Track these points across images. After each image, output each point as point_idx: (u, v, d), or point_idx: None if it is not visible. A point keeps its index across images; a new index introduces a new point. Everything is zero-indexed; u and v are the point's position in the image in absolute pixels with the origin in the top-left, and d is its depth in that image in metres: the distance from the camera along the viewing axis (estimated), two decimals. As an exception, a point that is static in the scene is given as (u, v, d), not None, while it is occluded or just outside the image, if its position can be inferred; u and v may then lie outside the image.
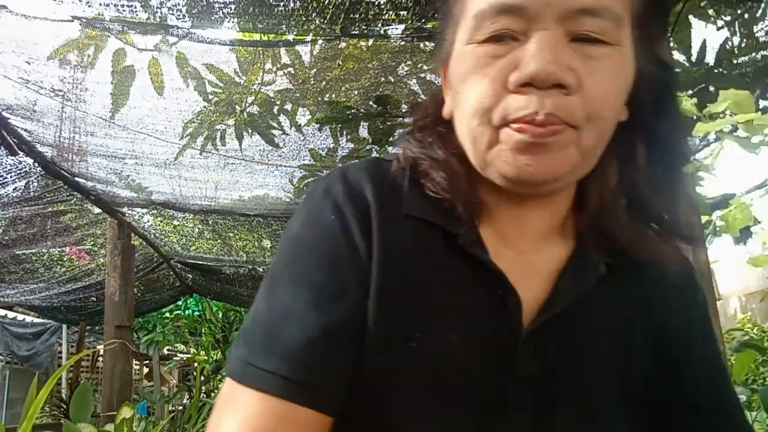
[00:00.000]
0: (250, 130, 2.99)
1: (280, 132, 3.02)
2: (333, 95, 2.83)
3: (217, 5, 1.93)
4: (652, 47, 0.59)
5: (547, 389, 0.57)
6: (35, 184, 3.47)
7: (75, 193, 3.52)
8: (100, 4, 1.96)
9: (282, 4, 1.95)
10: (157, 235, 4.92)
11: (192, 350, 10.88)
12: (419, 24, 2.17)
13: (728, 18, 2.68)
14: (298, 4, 1.95)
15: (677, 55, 2.84)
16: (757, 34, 2.71)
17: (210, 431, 0.53)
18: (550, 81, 0.51)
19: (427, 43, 2.40)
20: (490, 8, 0.53)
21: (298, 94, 2.88)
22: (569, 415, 0.57)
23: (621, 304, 0.61)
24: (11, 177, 3.23)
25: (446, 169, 0.59)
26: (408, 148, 0.63)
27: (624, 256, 0.60)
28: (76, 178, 3.30)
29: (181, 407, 8.20)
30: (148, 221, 4.73)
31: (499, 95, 0.53)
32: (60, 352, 10.15)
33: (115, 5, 1.95)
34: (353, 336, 0.55)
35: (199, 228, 4.86)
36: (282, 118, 2.97)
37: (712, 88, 2.95)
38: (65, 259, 5.84)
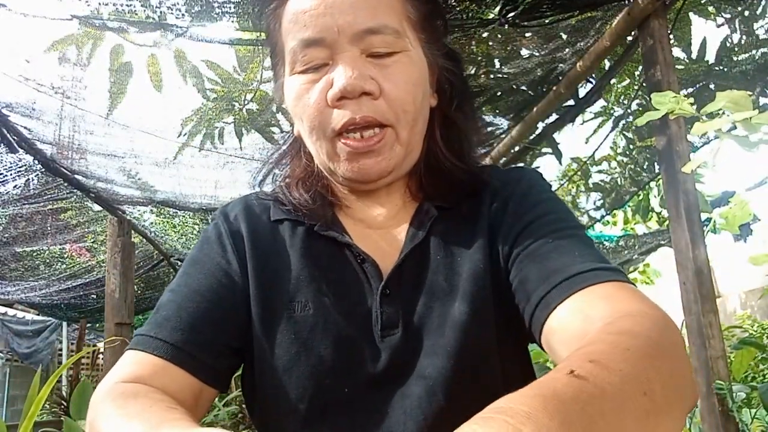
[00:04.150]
0: (249, 128, 2.99)
1: (280, 130, 3.02)
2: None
3: (216, 4, 1.93)
4: (438, 44, 0.74)
5: (412, 322, 0.67)
6: (35, 181, 3.46)
7: (75, 190, 3.52)
8: (99, 3, 1.95)
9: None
10: (157, 233, 4.92)
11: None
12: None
13: (728, 15, 2.67)
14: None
15: (677, 53, 2.83)
16: (757, 32, 2.70)
17: None
18: (357, 91, 0.65)
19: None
20: (298, 44, 0.67)
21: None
22: (433, 338, 0.66)
23: (465, 225, 0.72)
24: (11, 174, 3.23)
25: (297, 190, 0.75)
26: (282, 174, 0.81)
27: (454, 198, 0.74)
28: (76, 176, 3.29)
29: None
30: (149, 219, 4.73)
31: (323, 112, 0.67)
32: (60, 350, 10.17)
33: (114, 3, 1.95)
34: (223, 306, 0.69)
35: (198, 226, 4.86)
36: (281, 116, 2.96)
37: (712, 86, 2.95)
38: (65, 256, 5.84)
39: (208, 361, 0.66)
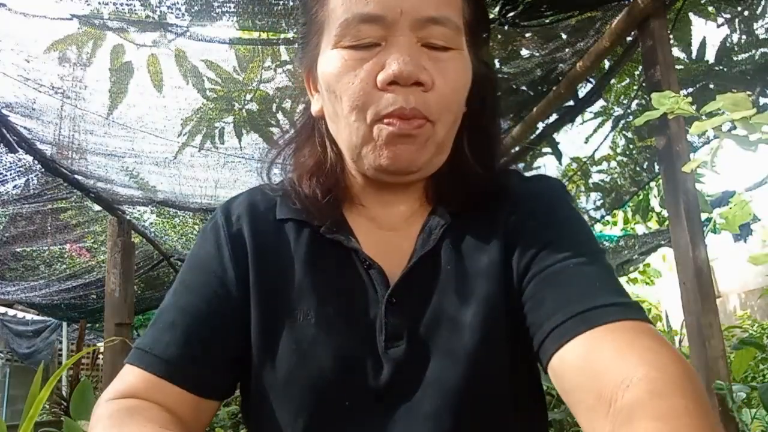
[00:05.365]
0: (248, 128, 2.99)
1: (280, 130, 3.02)
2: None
3: (216, 4, 1.93)
4: (480, 51, 0.72)
5: (418, 333, 0.64)
6: (35, 181, 3.46)
7: (75, 190, 3.52)
8: (99, 2, 1.96)
9: (281, 2, 1.94)
10: (157, 233, 4.92)
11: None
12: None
13: (728, 15, 2.67)
14: (297, 2, 1.94)
15: (677, 53, 2.83)
16: (756, 32, 2.70)
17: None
18: (411, 79, 0.61)
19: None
20: (354, 18, 0.62)
21: (297, 92, 2.88)
22: (440, 351, 0.64)
23: (479, 234, 0.69)
24: (11, 174, 3.23)
25: (307, 183, 0.71)
26: (288, 167, 0.77)
27: (471, 204, 0.70)
28: (76, 176, 3.29)
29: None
30: (149, 219, 4.73)
31: (370, 93, 0.62)
32: (60, 350, 10.17)
33: (114, 3, 1.95)
34: (219, 317, 0.67)
35: (198, 226, 4.86)
36: (281, 116, 2.97)
37: (712, 86, 2.95)
38: (65, 256, 5.84)
39: (204, 375, 0.66)
